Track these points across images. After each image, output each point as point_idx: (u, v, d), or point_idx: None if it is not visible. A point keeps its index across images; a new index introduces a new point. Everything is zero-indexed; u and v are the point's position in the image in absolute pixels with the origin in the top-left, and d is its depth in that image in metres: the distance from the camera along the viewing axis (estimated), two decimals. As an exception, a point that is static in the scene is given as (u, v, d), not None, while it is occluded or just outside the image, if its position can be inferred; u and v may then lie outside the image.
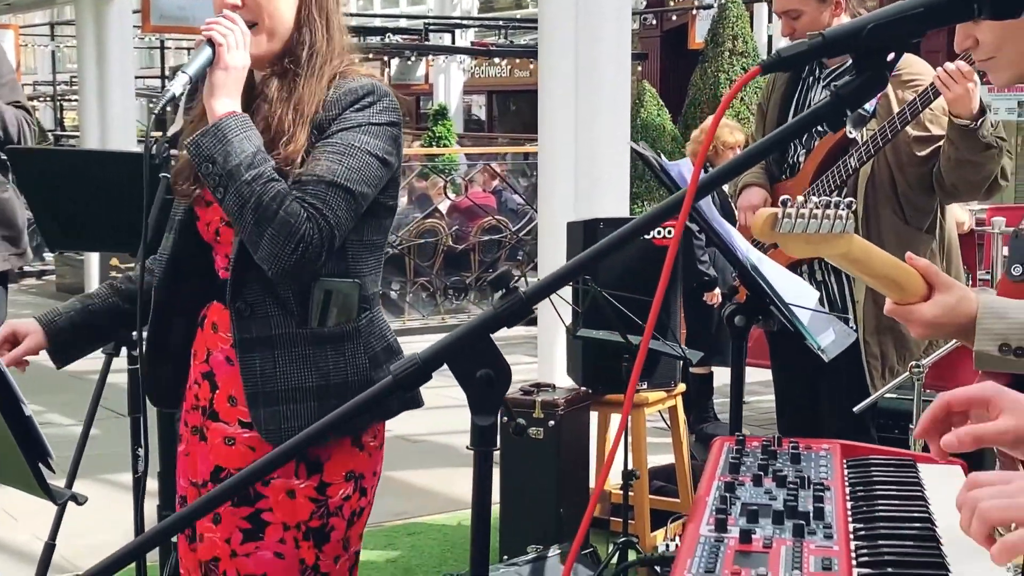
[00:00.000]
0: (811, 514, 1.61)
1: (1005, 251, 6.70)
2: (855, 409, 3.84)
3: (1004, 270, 2.14)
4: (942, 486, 1.82)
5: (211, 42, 2.30)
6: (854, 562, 1.49)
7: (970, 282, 6.46)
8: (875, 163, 3.77)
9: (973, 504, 1.30)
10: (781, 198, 1.72)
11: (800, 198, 1.71)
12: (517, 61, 19.60)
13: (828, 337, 2.34)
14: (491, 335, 1.35)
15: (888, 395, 4.10)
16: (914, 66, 3.84)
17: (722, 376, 7.90)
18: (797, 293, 2.35)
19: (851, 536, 1.59)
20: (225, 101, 2.30)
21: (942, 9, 1.29)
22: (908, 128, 3.73)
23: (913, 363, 3.78)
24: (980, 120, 3.52)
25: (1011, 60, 2.07)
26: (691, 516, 1.67)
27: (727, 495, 1.69)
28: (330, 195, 2.28)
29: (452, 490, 6.00)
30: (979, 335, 1.94)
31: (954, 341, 3.91)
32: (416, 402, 2.48)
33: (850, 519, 1.66)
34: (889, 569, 1.46)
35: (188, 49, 20.48)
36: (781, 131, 1.36)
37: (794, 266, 4.00)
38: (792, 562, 1.46)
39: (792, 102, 4.09)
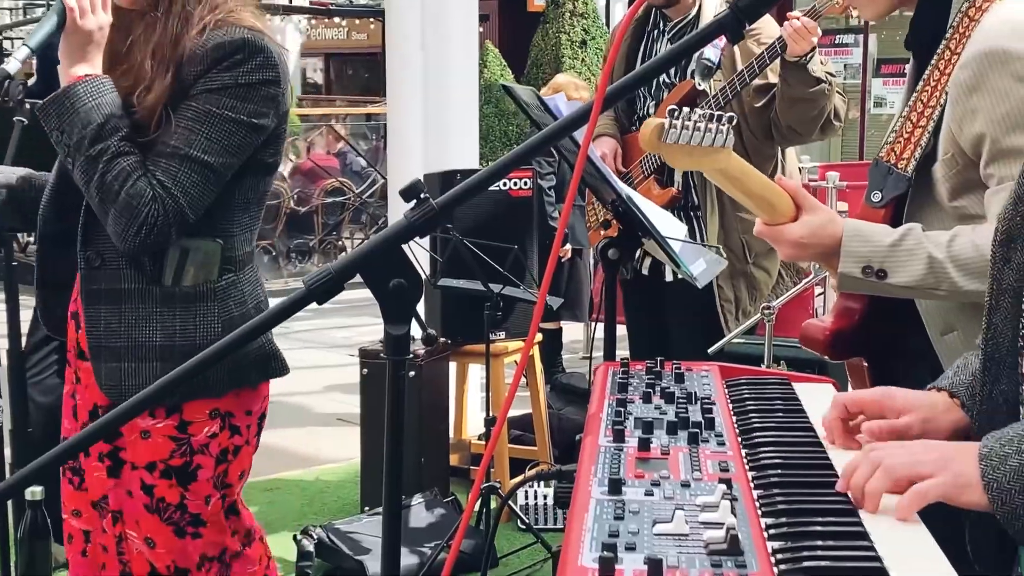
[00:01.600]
0: (703, 424, 1.67)
1: (840, 206, 6.99)
2: (709, 351, 3.96)
3: (864, 198, 2.24)
4: (816, 401, 1.90)
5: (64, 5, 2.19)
6: (747, 465, 1.56)
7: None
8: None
9: (877, 460, 1.40)
10: (668, 108, 1.77)
11: (686, 109, 1.76)
12: (356, 22, 19.37)
13: (700, 266, 2.41)
14: (403, 245, 1.36)
15: (738, 340, 4.24)
16: None
17: (571, 332, 8.03)
18: (667, 226, 2.41)
19: (741, 444, 1.65)
20: (78, 66, 2.21)
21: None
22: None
23: (764, 304, 3.92)
24: (809, 55, 3.66)
25: None
26: (587, 432, 1.71)
27: (620, 410, 1.74)
28: (182, 171, 2.20)
29: (308, 449, 5.98)
30: (844, 257, 2.03)
31: (802, 283, 4.08)
32: (280, 370, 2.46)
33: (737, 430, 1.72)
34: (775, 471, 1.53)
35: None
36: (678, 47, 1.40)
37: None
38: (691, 465, 1.51)
39: (637, 56, 4.19)
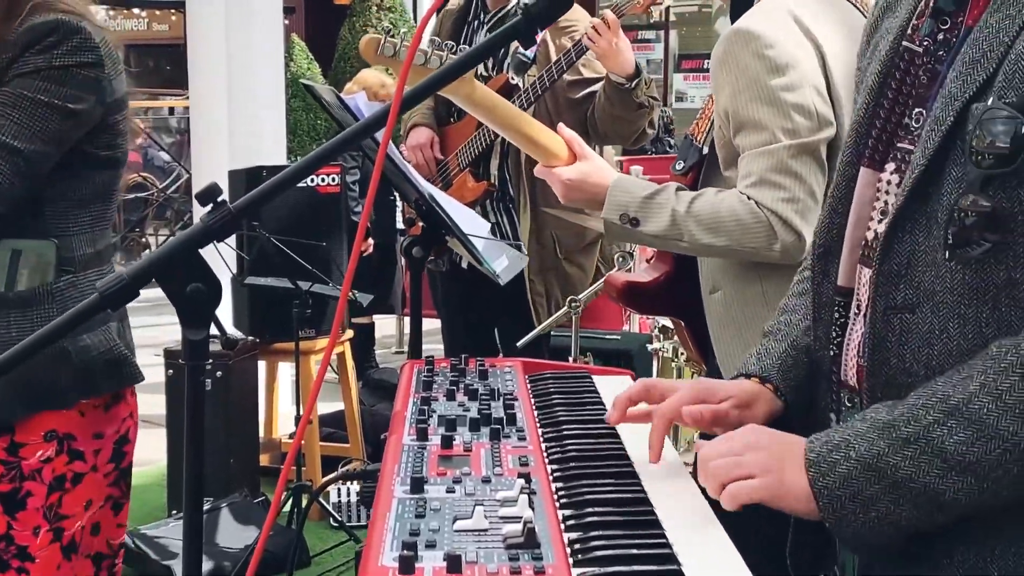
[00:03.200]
0: (504, 420, 1.70)
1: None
2: (518, 344, 4.03)
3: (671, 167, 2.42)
4: (614, 393, 1.96)
5: None
6: (546, 459, 1.60)
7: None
8: (535, 108, 3.94)
9: (704, 465, 1.43)
10: (385, 26, 1.81)
11: (404, 30, 1.81)
12: (157, 13, 18.90)
13: (502, 263, 2.46)
14: (199, 250, 1.35)
15: (551, 334, 4.31)
16: (570, 12, 4.04)
17: (383, 327, 8.03)
18: (471, 224, 2.45)
19: (541, 438, 1.69)
20: None
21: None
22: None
23: (571, 298, 4.00)
24: (636, 81, 3.76)
25: None
26: (391, 430, 1.72)
27: (424, 408, 1.76)
28: None
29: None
30: (606, 204, 2.22)
31: (603, 280, 4.18)
32: (134, 378, 2.32)
33: (538, 424, 1.76)
34: (573, 463, 1.58)
35: None
36: (476, 49, 1.43)
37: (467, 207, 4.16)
38: (493, 461, 1.55)
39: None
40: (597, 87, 3.93)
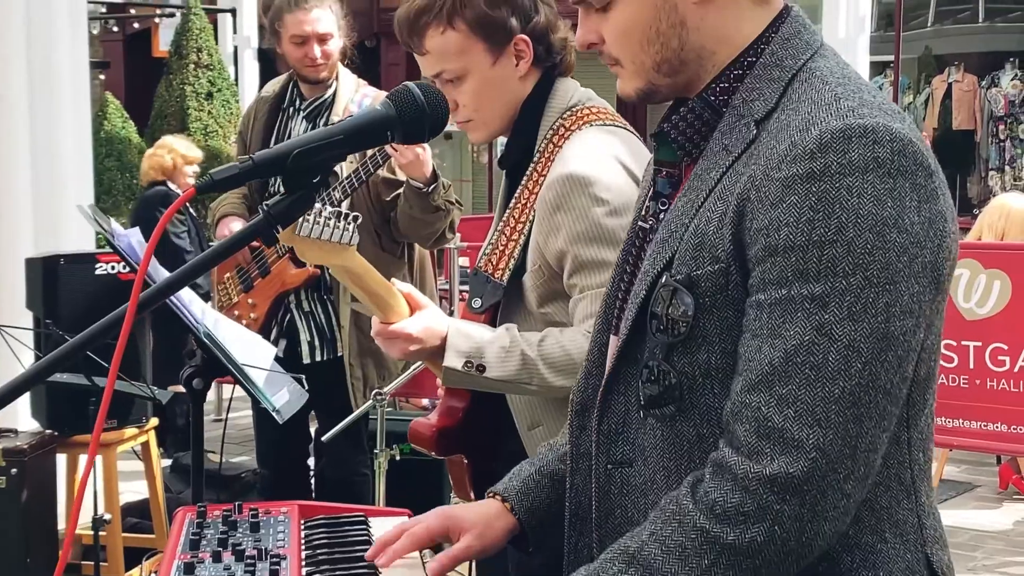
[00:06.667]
0: (267, 590, 1.69)
1: (462, 261, 7.24)
2: (323, 438, 4.01)
3: (466, 303, 2.43)
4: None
5: None
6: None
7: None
8: (355, 195, 3.97)
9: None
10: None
11: (317, 205, 1.86)
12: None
13: (283, 397, 2.44)
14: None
15: (368, 418, 4.28)
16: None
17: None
18: (254, 353, 2.43)
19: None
20: None
21: (359, 136, 1.44)
22: (380, 170, 3.97)
23: (375, 391, 4.00)
24: (432, 186, 3.80)
25: (486, 120, 2.38)
26: (152, 604, 1.70)
27: (187, 576, 1.74)
28: None
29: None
30: (448, 351, 2.22)
31: (412, 369, 4.19)
32: None
33: (305, 590, 1.75)
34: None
35: None
36: (222, 245, 1.43)
37: (281, 297, 4.14)
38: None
39: (274, 131, 4.25)
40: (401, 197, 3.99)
